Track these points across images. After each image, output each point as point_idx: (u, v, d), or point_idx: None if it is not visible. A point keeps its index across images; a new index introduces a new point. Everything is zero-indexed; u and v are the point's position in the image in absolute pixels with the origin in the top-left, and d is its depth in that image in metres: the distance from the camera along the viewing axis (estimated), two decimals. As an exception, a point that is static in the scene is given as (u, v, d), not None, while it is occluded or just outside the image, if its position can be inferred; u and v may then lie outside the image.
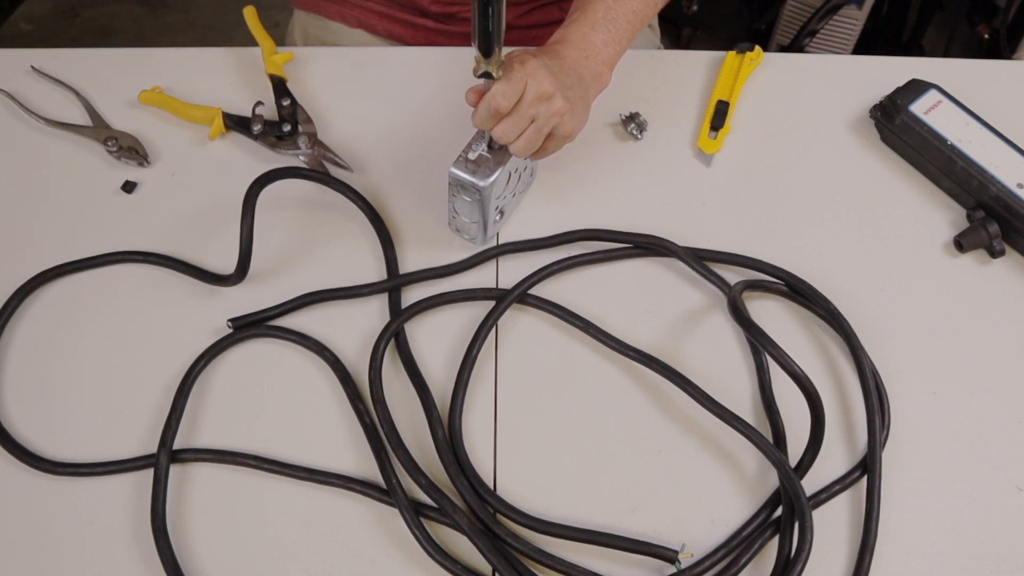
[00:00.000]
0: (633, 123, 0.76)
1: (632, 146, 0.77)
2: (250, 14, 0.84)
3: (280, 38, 0.97)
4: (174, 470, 0.60)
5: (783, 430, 0.61)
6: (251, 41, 0.83)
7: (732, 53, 0.82)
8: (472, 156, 0.63)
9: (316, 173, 0.71)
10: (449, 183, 0.64)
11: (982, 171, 0.70)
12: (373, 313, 0.67)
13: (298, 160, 0.75)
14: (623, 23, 0.70)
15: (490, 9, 0.53)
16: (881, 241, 0.72)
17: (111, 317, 0.67)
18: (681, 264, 0.69)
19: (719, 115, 0.77)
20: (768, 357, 0.63)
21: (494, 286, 0.68)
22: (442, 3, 0.89)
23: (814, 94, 0.82)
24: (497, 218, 0.69)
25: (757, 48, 0.82)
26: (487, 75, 0.59)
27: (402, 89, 0.81)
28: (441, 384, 0.64)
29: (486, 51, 0.57)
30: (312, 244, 0.71)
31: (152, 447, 0.60)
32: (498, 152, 0.64)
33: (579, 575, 0.55)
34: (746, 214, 0.73)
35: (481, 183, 0.63)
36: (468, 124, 0.63)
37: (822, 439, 0.59)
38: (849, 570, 0.56)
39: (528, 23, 0.92)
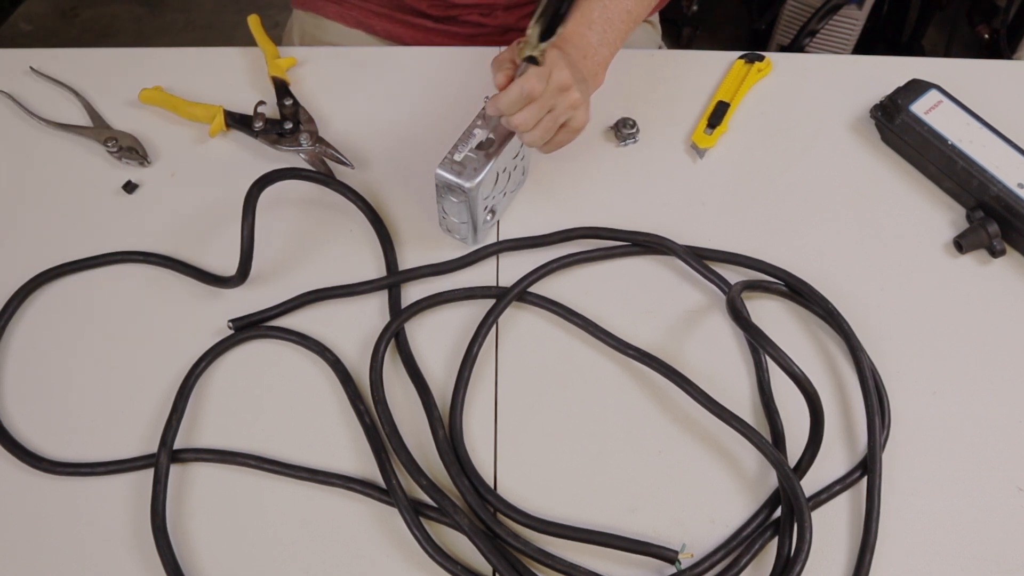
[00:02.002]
0: (623, 130, 0.76)
1: (632, 144, 0.77)
2: (254, 22, 0.84)
3: (279, 38, 0.97)
4: (174, 470, 0.60)
5: (782, 430, 0.61)
6: (251, 41, 0.84)
7: (740, 61, 0.82)
8: (458, 157, 0.63)
9: (316, 174, 0.71)
10: (436, 184, 0.64)
11: (982, 171, 0.70)
12: (373, 312, 0.67)
13: (299, 157, 0.75)
14: (618, 23, 0.70)
15: None
16: (881, 241, 0.72)
17: (111, 317, 0.67)
18: (681, 263, 0.69)
19: (718, 114, 0.77)
20: (767, 357, 0.63)
21: (494, 283, 0.68)
22: (441, 7, 0.89)
23: (814, 94, 0.81)
24: (488, 218, 0.69)
25: (767, 59, 0.82)
26: (532, 59, 0.56)
27: (402, 89, 0.81)
28: (441, 383, 0.64)
29: (548, 33, 0.54)
30: (312, 244, 0.71)
31: (152, 447, 0.60)
32: (485, 152, 0.63)
33: (579, 575, 0.55)
34: (746, 214, 0.73)
35: (467, 184, 0.62)
36: (467, 123, 0.63)
37: (821, 439, 0.59)
38: (849, 570, 0.56)
39: (528, 25, 0.92)
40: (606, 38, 0.69)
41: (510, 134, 0.64)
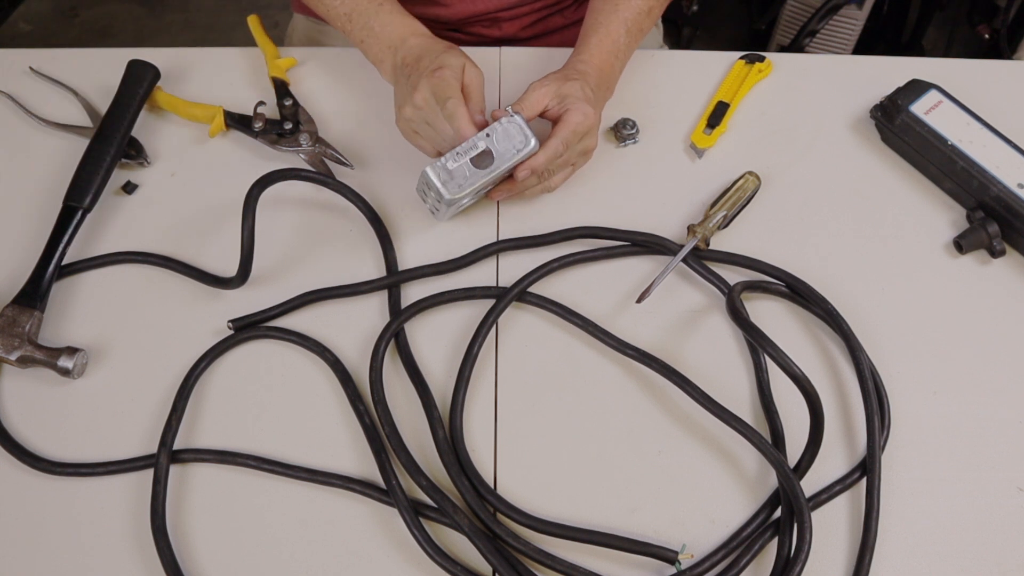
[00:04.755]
0: (623, 130, 0.77)
1: (632, 145, 0.77)
2: (254, 22, 0.84)
3: (279, 38, 0.97)
4: (174, 470, 0.60)
5: (782, 430, 0.61)
6: (250, 41, 0.83)
7: (741, 61, 0.82)
8: (451, 166, 0.65)
9: (316, 174, 0.71)
10: (420, 178, 0.66)
11: (982, 171, 0.70)
12: (373, 313, 0.67)
13: (299, 157, 0.75)
14: (635, 40, 0.76)
15: None
16: (881, 241, 0.72)
17: (111, 317, 0.67)
18: (680, 263, 0.69)
19: (717, 114, 0.77)
20: (767, 357, 0.63)
21: (494, 283, 0.68)
22: (442, 28, 0.89)
23: (814, 94, 0.81)
24: (465, 201, 0.68)
25: (768, 60, 0.82)
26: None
27: (402, 89, 0.81)
28: (441, 383, 0.64)
29: None
30: (312, 244, 0.71)
31: (152, 447, 0.60)
32: (477, 171, 0.65)
33: (579, 575, 0.55)
34: (746, 214, 0.73)
35: (447, 195, 0.65)
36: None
37: (821, 439, 0.59)
38: (849, 570, 0.56)
39: (532, 34, 0.93)
40: (625, 58, 0.75)
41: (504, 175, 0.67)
